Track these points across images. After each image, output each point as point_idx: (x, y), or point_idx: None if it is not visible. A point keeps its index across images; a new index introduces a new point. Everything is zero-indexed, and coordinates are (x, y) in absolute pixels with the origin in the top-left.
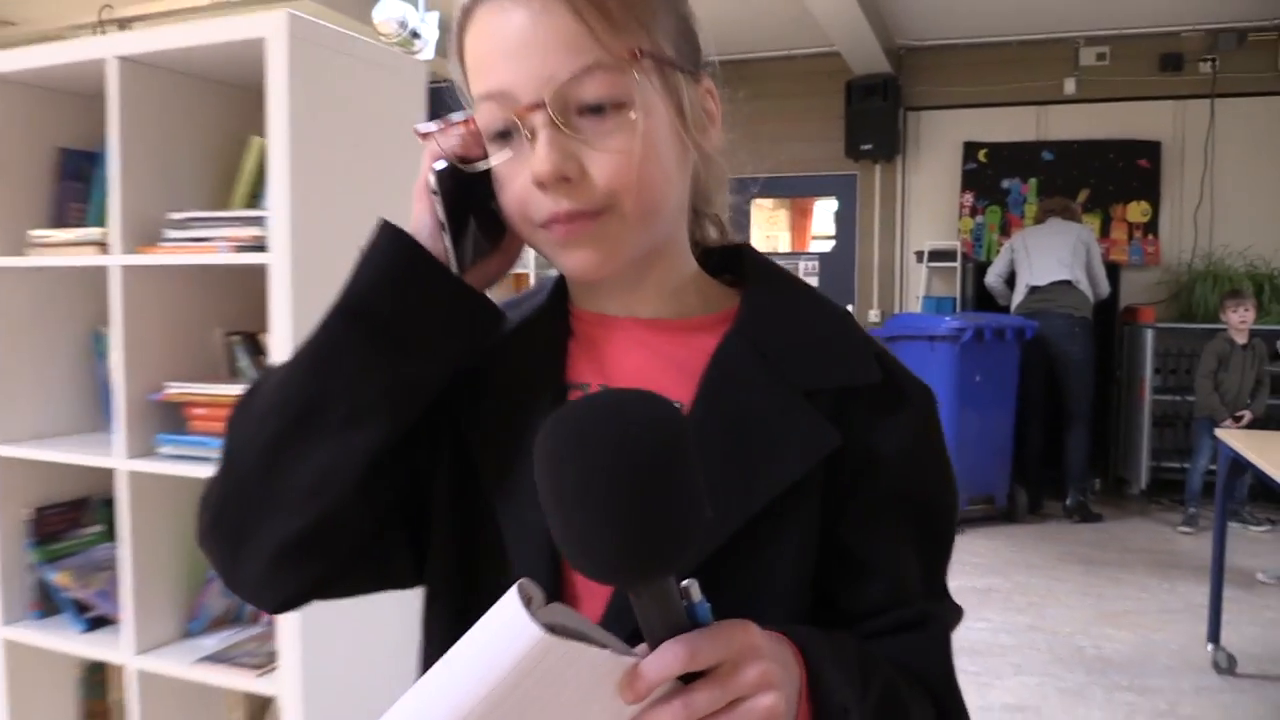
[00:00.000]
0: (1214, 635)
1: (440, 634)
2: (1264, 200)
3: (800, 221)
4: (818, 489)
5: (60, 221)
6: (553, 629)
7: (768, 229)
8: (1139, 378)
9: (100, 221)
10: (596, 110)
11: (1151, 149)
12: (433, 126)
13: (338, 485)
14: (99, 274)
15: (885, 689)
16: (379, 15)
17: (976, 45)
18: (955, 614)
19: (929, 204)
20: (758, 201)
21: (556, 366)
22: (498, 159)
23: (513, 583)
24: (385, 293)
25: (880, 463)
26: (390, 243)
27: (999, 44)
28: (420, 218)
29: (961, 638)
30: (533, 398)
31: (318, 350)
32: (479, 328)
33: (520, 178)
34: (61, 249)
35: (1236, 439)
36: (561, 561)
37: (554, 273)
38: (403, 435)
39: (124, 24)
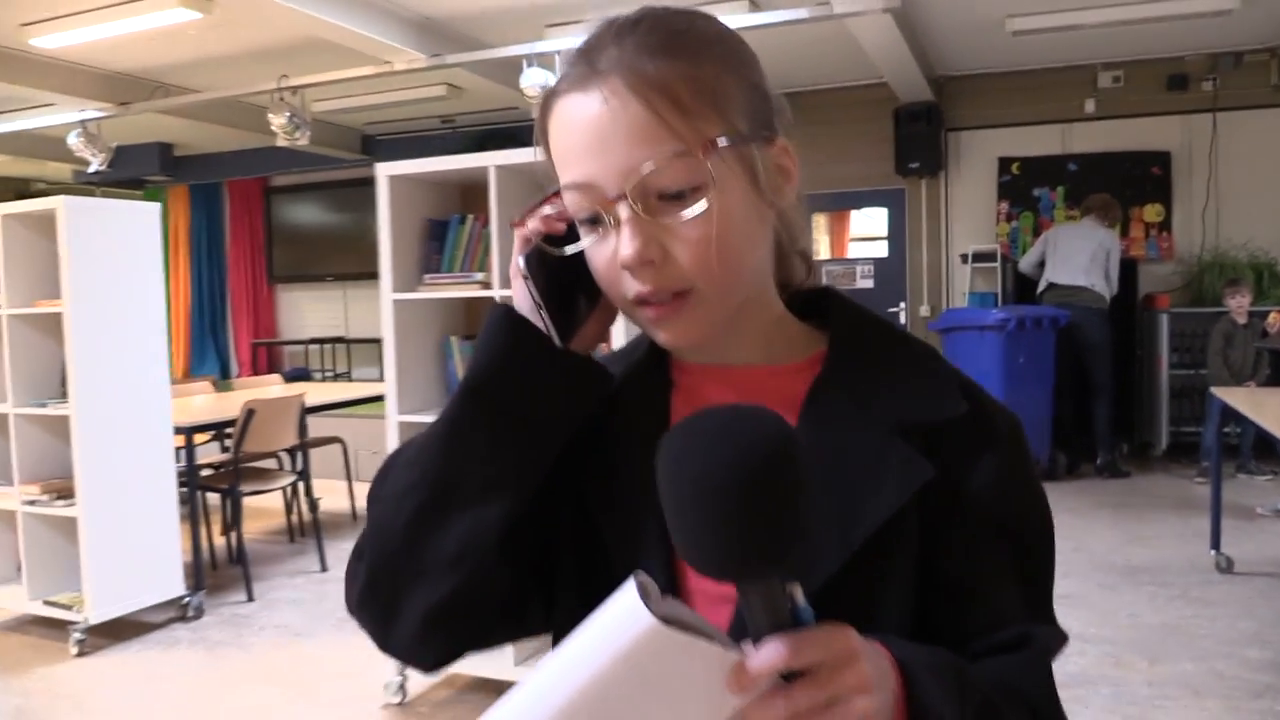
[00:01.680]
0: (1215, 544)
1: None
2: (1262, 199)
3: (838, 228)
4: (915, 523)
5: (428, 268)
6: (666, 620)
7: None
8: (1157, 356)
9: (452, 268)
10: (675, 196)
11: (1162, 158)
12: (521, 218)
13: (478, 553)
14: (452, 302)
15: (983, 702)
16: (525, 82)
17: (1007, 73)
18: (1059, 638)
19: (970, 212)
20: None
21: (662, 416)
22: (586, 243)
23: None
24: (500, 371)
25: (974, 493)
26: (499, 322)
27: (1027, 71)
28: (519, 299)
29: None
30: (642, 449)
31: (449, 429)
32: (588, 391)
33: (608, 258)
34: (445, 286)
35: (1238, 398)
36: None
37: None
38: (531, 500)
39: (296, 90)
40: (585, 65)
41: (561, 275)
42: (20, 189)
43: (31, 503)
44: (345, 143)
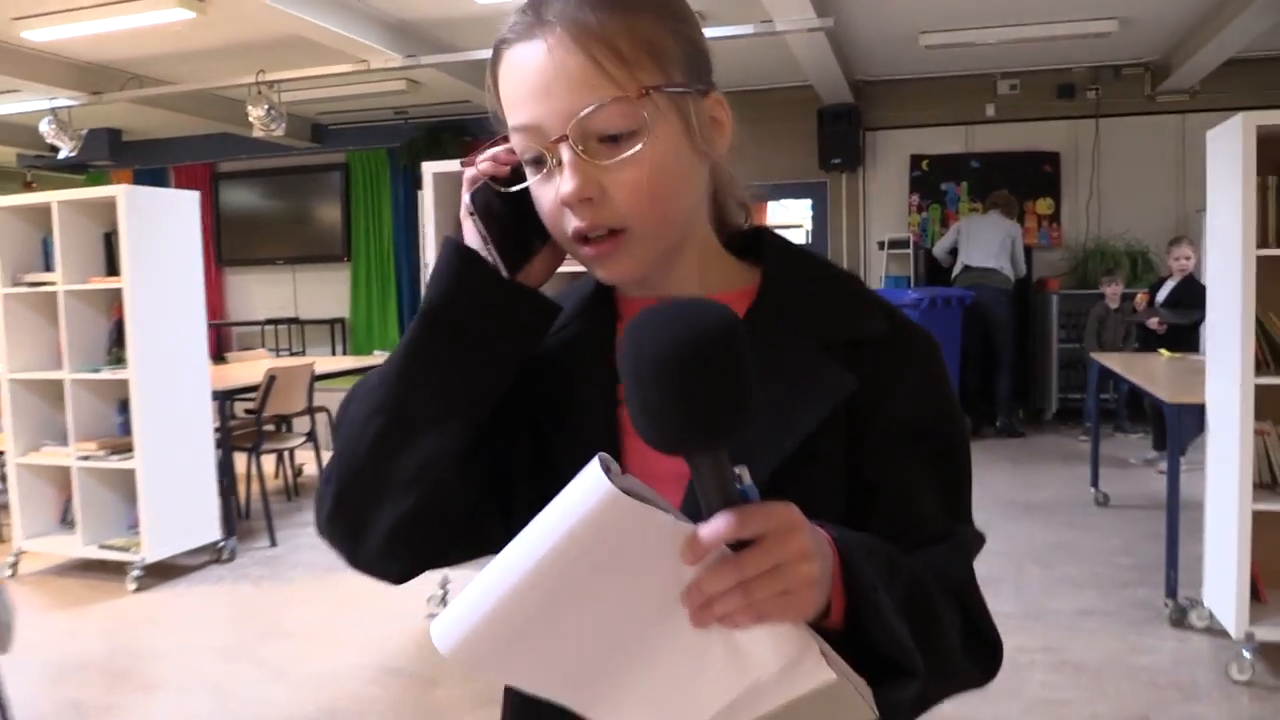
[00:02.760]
0: (1094, 482)
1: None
2: (1138, 194)
3: (759, 218)
4: (843, 432)
5: None
6: (626, 492)
7: None
8: (1048, 332)
9: None
10: (612, 139)
11: (1053, 157)
12: (468, 164)
13: (437, 473)
14: None
15: (911, 576)
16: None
17: (919, 80)
18: (978, 538)
19: (884, 204)
20: None
21: (608, 347)
22: (530, 182)
23: None
24: (452, 300)
25: (895, 404)
26: (450, 255)
27: (936, 79)
28: (468, 236)
29: None
30: (590, 377)
31: (406, 355)
32: (536, 322)
33: (551, 198)
34: None
35: (1111, 360)
36: None
37: None
38: (487, 424)
39: (273, 84)
40: (532, 16)
41: (509, 217)
42: None
43: (86, 458)
44: (295, 130)
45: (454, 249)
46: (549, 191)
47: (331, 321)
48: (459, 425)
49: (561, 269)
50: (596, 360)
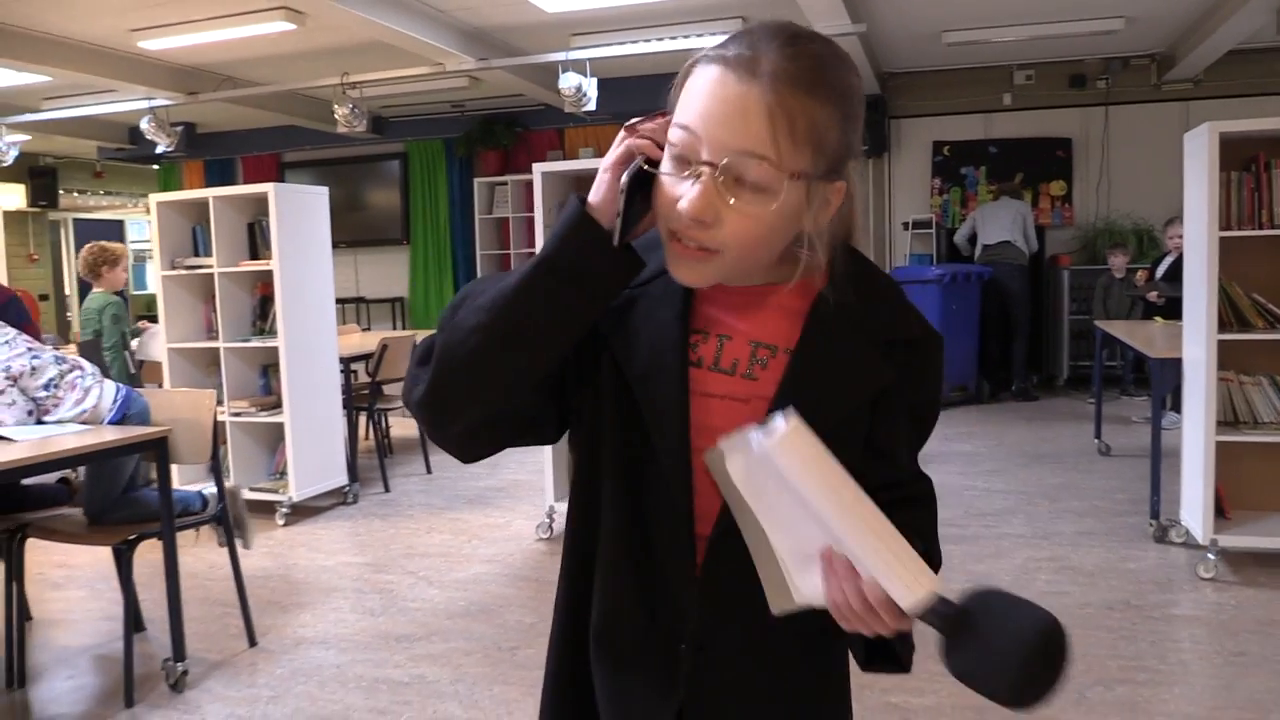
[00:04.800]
0: (1098, 434)
1: (608, 476)
2: (1144, 177)
3: None
4: (869, 407)
5: None
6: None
7: None
8: (1060, 305)
9: None
10: (744, 185)
11: (1065, 143)
12: (635, 126)
13: (525, 384)
14: None
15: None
16: (563, 84)
17: (940, 71)
18: (930, 483)
19: (908, 187)
20: None
21: (685, 314)
22: (669, 174)
23: (658, 448)
24: (569, 254)
25: (910, 389)
26: (574, 215)
27: (956, 69)
28: (603, 191)
29: (958, 449)
30: (667, 333)
31: (522, 287)
32: (626, 277)
33: (675, 195)
34: None
35: (1114, 328)
36: (688, 453)
37: None
38: (566, 353)
39: (357, 85)
40: (750, 53)
41: (641, 185)
42: (31, 163)
43: (239, 415)
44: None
45: (579, 209)
46: (676, 190)
47: (392, 300)
48: (548, 352)
49: None
50: (675, 317)
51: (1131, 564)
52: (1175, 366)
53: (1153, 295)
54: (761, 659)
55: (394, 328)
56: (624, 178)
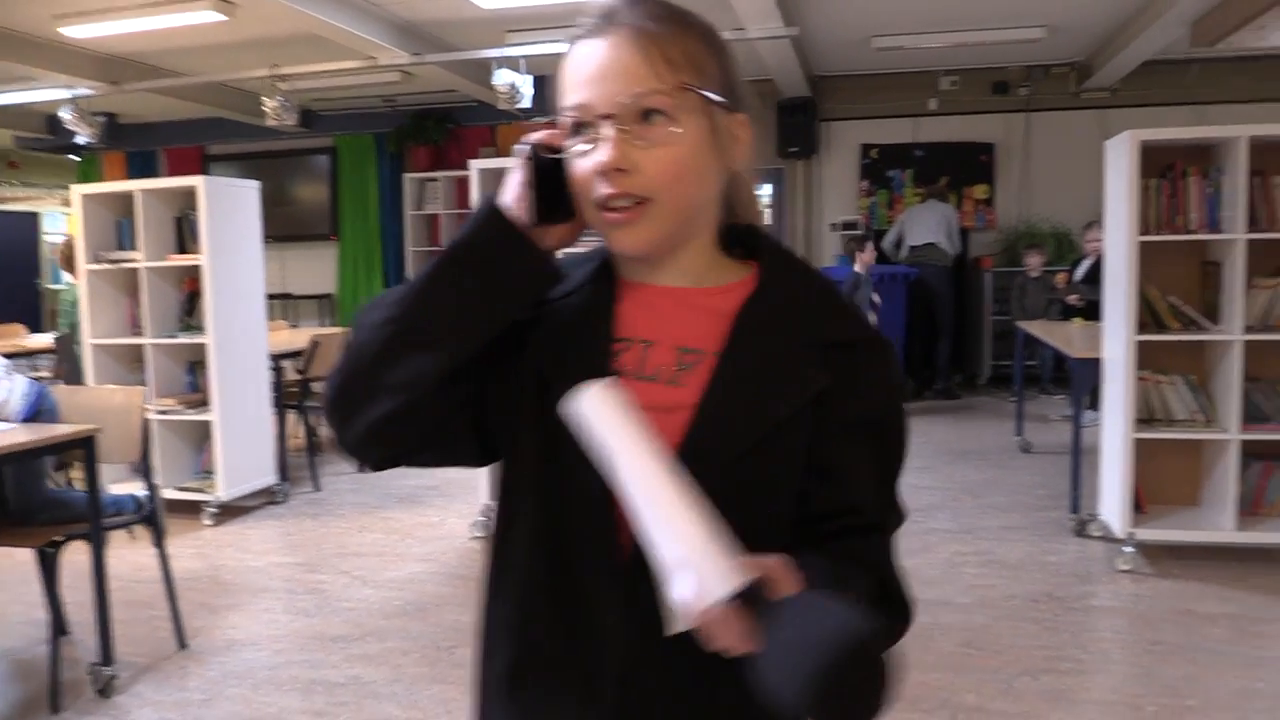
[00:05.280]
0: (1019, 431)
1: (526, 496)
2: (1063, 182)
3: None
4: (810, 418)
5: None
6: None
7: None
8: (982, 305)
9: None
10: (650, 119)
11: (988, 148)
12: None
13: (423, 383)
14: None
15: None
16: (497, 80)
17: (869, 75)
18: (900, 517)
19: (837, 189)
20: None
21: (608, 322)
22: (576, 147)
23: (580, 464)
24: (475, 243)
25: (854, 398)
26: (486, 210)
27: (885, 74)
28: (511, 186)
29: None
30: (589, 343)
31: (424, 283)
32: (540, 278)
33: (588, 166)
34: None
35: (1034, 327)
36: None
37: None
38: (475, 355)
39: (287, 77)
40: (603, 19)
41: (549, 179)
42: None
43: (164, 413)
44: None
45: (488, 201)
46: (586, 162)
47: (320, 297)
48: (449, 350)
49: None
50: (597, 325)
51: (1053, 557)
52: (1094, 366)
53: (1073, 298)
54: (695, 694)
55: (322, 324)
56: (527, 147)
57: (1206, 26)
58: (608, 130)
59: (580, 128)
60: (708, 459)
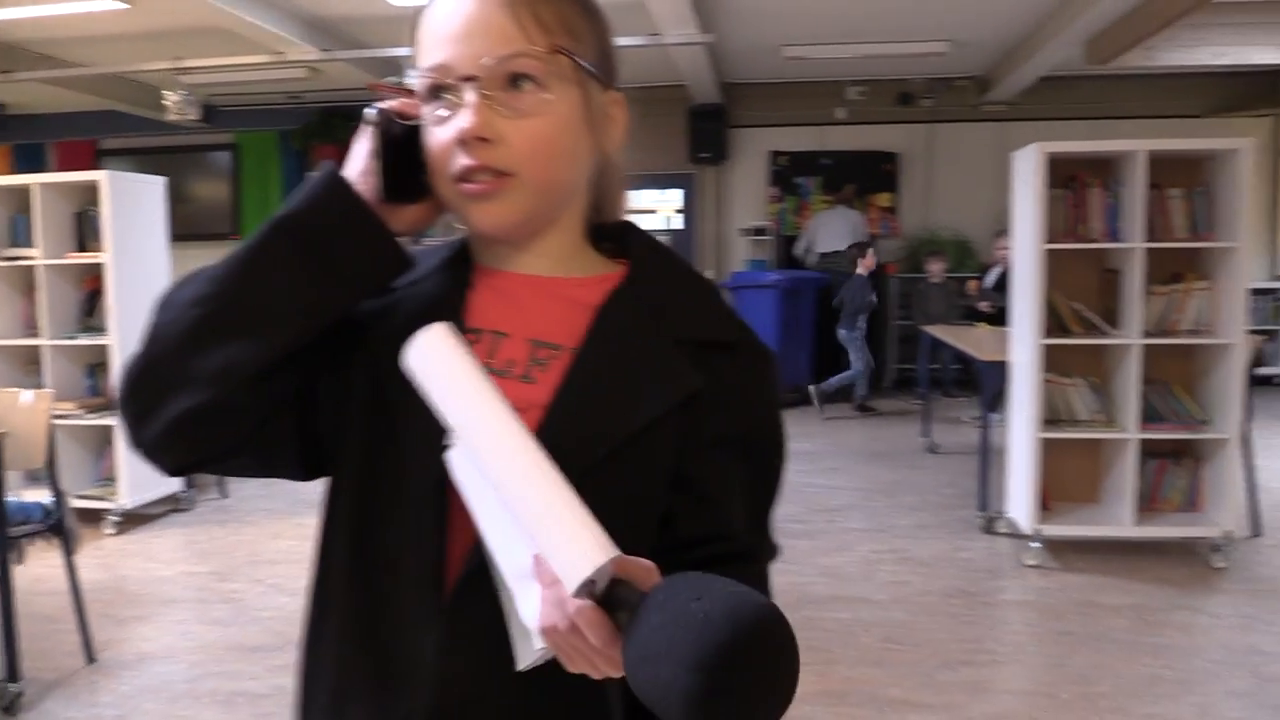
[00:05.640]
0: (926, 433)
1: (346, 510)
2: (964, 191)
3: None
4: (675, 426)
5: None
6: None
7: None
8: (888, 311)
9: None
10: (518, 86)
11: (893, 157)
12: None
13: (238, 374)
14: None
15: None
16: (410, 79)
17: (779, 84)
18: (773, 551)
19: (746, 195)
20: None
21: (456, 311)
22: (432, 113)
23: (409, 474)
24: (311, 211)
25: (729, 409)
26: (325, 176)
27: (794, 83)
28: (355, 158)
29: (798, 448)
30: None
31: (245, 257)
32: (385, 261)
33: (446, 135)
34: None
35: (938, 330)
36: (445, 476)
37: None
38: (303, 345)
39: (190, 70)
40: None
41: (400, 151)
42: None
43: (64, 417)
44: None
45: (330, 171)
46: (444, 131)
47: None
48: (271, 340)
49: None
50: (445, 314)
51: (964, 553)
52: (1001, 369)
53: (984, 305)
54: None
55: None
56: (373, 111)
57: (1100, 46)
58: (470, 95)
59: (438, 92)
60: (558, 466)
